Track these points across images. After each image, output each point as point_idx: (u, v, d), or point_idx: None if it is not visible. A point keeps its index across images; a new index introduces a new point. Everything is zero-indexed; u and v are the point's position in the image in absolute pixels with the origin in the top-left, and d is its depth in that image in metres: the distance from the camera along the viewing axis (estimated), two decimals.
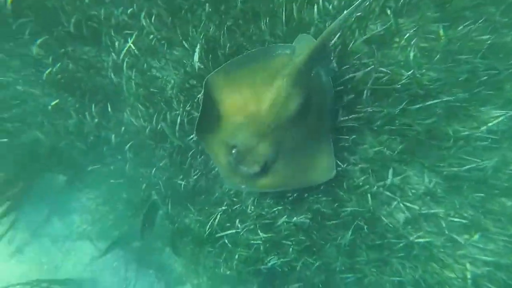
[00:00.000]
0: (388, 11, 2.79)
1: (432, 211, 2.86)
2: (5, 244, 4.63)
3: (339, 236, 3.04)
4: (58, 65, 3.27)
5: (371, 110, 2.84)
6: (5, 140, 3.56)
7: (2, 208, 4.07)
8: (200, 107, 2.55)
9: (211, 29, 3.06)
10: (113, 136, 3.40)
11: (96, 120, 3.39)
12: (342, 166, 2.94)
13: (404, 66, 2.79)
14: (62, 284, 4.42)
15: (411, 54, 2.72)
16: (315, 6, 2.82)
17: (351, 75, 2.79)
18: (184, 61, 3.19)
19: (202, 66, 3.05)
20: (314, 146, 2.57)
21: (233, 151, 2.43)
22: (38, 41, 3.23)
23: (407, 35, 2.75)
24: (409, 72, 2.71)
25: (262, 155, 2.41)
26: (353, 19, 2.80)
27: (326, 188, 3.02)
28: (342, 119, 2.85)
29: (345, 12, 2.35)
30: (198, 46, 3.01)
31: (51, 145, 3.56)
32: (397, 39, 2.84)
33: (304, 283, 3.26)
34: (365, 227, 2.97)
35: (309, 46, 2.46)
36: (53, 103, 3.34)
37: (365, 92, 2.82)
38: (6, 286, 4.29)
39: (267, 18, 2.95)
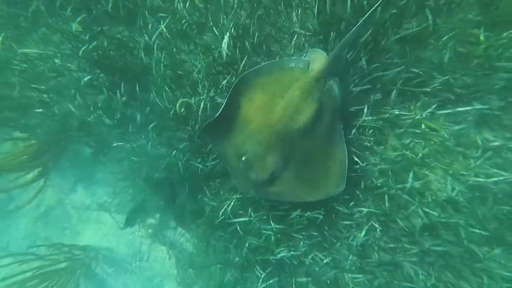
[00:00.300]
0: (427, 10, 2.73)
1: (453, 220, 2.83)
2: (34, 207, 5.07)
3: (351, 235, 3.08)
4: (94, 43, 3.47)
5: (398, 112, 2.84)
6: (40, 110, 3.88)
7: (32, 174, 4.45)
8: (220, 109, 2.69)
9: (242, 17, 3.13)
10: (138, 115, 3.60)
11: (124, 98, 3.59)
12: (362, 164, 2.95)
13: (437, 69, 2.74)
14: (81, 249, 4.79)
15: (446, 57, 2.66)
16: (349, 1, 2.82)
17: (380, 73, 2.80)
18: (213, 47, 3.30)
19: (229, 53, 3.15)
20: (324, 159, 2.64)
21: (243, 158, 2.57)
22: (78, 19, 3.45)
23: (445, 37, 2.70)
24: (443, 77, 2.67)
25: (270, 164, 2.54)
26: (389, 15, 2.77)
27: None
28: (366, 118, 2.87)
29: (357, 25, 2.39)
30: (227, 34, 3.10)
31: (81, 118, 3.82)
32: (432, 40, 2.78)
33: (312, 278, 3.33)
34: (379, 228, 2.99)
35: (321, 61, 2.58)
36: (86, 78, 3.57)
37: (393, 92, 2.81)
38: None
39: (299, 10, 2.99)
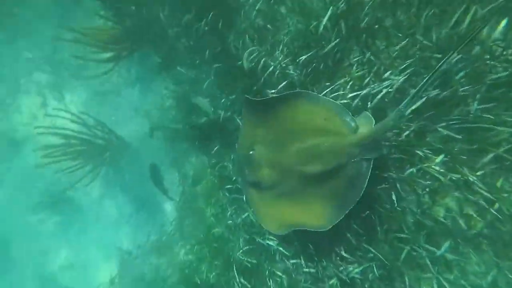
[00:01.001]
0: None
1: None
2: (98, 84, 5.88)
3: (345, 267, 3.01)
4: None
5: (478, 182, 2.52)
6: (133, 7, 4.20)
7: (107, 55, 5.04)
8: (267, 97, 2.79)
9: None
10: (207, 51, 3.70)
11: (206, 28, 3.72)
12: (397, 205, 2.70)
13: None
14: (118, 138, 5.54)
15: None
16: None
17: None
18: (313, 17, 3.14)
19: (324, 32, 3.00)
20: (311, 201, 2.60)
21: (250, 152, 2.77)
22: None
23: None
24: None
25: (263, 175, 2.71)
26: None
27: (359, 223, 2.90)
28: (435, 164, 2.58)
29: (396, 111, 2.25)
30: (331, 9, 2.92)
31: (164, 28, 4.09)
32: None
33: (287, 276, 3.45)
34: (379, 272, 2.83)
35: (367, 129, 2.40)
36: None
37: (489, 156, 2.48)
38: None
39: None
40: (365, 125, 2.44)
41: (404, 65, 2.70)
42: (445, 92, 2.53)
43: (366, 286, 2.88)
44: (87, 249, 6.81)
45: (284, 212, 2.70)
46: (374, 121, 2.45)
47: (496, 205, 2.39)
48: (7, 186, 7.43)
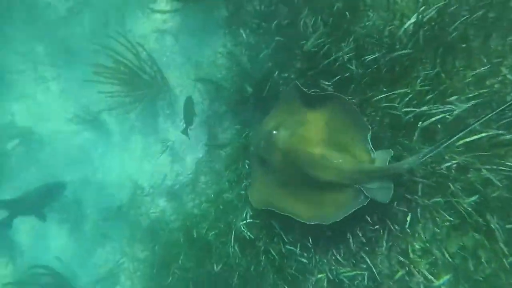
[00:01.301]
0: None
1: None
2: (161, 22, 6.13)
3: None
4: None
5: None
6: None
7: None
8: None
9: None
10: (275, 22, 3.74)
11: None
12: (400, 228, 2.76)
13: None
14: (163, 80, 5.82)
15: None
16: None
17: None
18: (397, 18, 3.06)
19: (402, 36, 2.89)
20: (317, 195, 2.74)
21: (274, 132, 2.95)
22: None
23: None
24: None
25: (273, 156, 2.92)
26: None
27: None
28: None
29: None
30: (419, 11, 2.78)
31: None
32: None
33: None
34: None
35: (375, 166, 2.50)
36: None
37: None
38: None
39: None
40: (381, 160, 2.53)
41: (475, 94, 2.60)
42: (509, 136, 2.44)
43: None
44: (105, 172, 7.35)
45: (274, 193, 2.94)
46: (390, 159, 2.54)
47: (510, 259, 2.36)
48: (52, 92, 8.08)
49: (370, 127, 2.63)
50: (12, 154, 8.15)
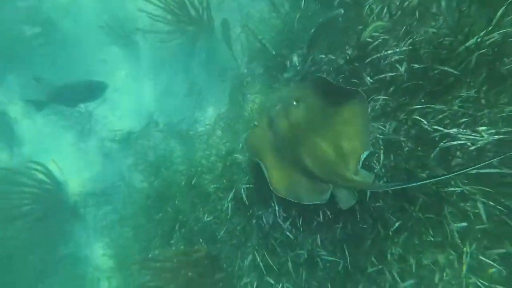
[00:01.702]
0: None
1: None
2: None
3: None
4: None
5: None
6: None
7: None
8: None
9: None
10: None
11: None
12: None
13: None
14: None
15: None
16: None
17: None
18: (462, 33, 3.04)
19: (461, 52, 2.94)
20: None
21: (294, 102, 3.22)
22: None
23: None
24: None
25: (281, 124, 3.19)
26: None
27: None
28: None
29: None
30: (486, 32, 2.79)
31: None
32: None
33: None
34: None
35: (354, 178, 2.76)
36: None
37: None
38: None
39: None
40: (363, 175, 2.84)
41: (505, 130, 2.71)
42: None
43: (325, 272, 3.39)
44: (123, 94, 7.53)
45: (266, 152, 3.23)
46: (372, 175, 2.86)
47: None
48: None
49: (371, 148, 2.93)
50: (29, 42, 7.86)
